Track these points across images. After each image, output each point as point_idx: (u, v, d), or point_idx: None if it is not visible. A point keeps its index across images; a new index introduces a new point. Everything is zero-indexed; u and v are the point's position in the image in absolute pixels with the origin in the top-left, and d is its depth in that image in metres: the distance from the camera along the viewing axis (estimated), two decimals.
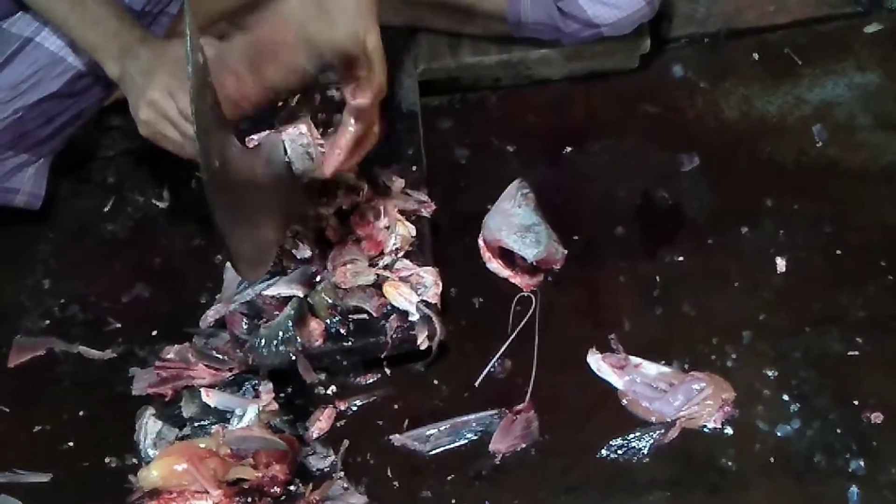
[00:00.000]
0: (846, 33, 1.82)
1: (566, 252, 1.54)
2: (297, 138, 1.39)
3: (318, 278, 1.48)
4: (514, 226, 1.51)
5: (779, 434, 1.35)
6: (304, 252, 1.47)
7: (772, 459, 1.33)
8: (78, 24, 1.41)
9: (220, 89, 1.22)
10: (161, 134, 1.32)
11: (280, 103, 1.67)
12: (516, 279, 1.54)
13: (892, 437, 1.33)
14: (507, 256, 1.54)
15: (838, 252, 1.52)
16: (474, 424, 1.40)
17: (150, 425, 1.41)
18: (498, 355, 1.46)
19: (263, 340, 1.41)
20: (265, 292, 1.45)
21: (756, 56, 1.81)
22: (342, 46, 1.24)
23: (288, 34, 1.25)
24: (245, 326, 1.44)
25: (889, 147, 1.64)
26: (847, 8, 1.86)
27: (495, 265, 1.56)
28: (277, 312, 1.43)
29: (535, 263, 1.50)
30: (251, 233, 1.28)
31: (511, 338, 1.48)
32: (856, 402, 1.36)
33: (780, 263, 1.52)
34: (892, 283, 1.48)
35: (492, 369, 1.46)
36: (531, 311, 1.50)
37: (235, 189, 1.21)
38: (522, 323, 1.49)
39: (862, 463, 1.31)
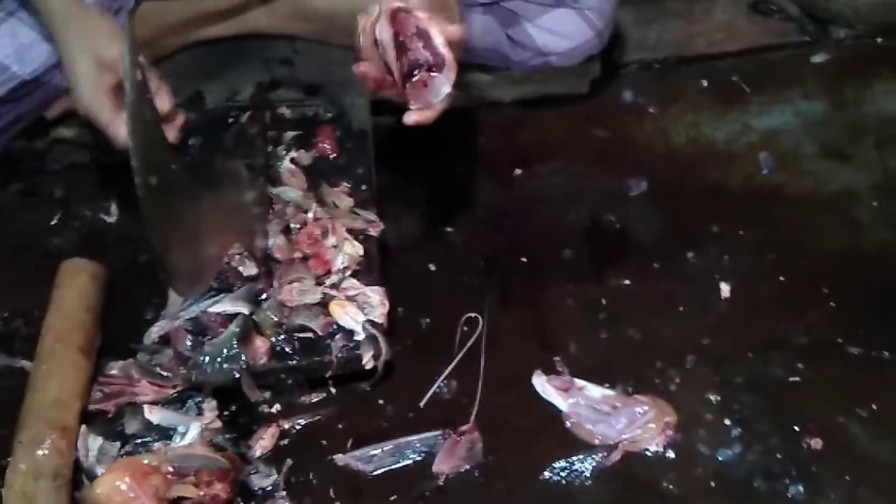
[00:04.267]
0: (794, 62, 1.85)
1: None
2: None
3: (263, 296, 1.46)
4: None
5: (720, 458, 1.36)
6: (251, 269, 1.47)
7: (713, 483, 1.34)
8: None
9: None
10: None
11: (230, 120, 1.67)
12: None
13: (830, 463, 1.35)
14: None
15: (782, 278, 1.54)
16: (418, 445, 1.40)
17: (90, 441, 1.40)
18: (443, 376, 1.46)
19: (208, 357, 1.40)
20: (210, 309, 1.43)
21: (705, 83, 1.84)
22: None
23: None
24: (189, 343, 1.42)
25: (833, 175, 1.67)
26: (795, 37, 1.90)
27: None
28: (222, 329, 1.42)
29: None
30: (191, 250, 1.28)
31: (457, 358, 1.48)
32: (796, 428, 1.38)
33: (725, 289, 1.53)
34: (835, 310, 1.50)
35: (437, 390, 1.45)
36: (478, 332, 1.51)
37: (175, 206, 1.20)
38: (469, 344, 1.49)
39: (801, 488, 1.32)
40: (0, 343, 1.56)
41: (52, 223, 1.72)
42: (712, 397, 1.42)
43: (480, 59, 1.71)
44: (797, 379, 1.43)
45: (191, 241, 1.27)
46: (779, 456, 1.36)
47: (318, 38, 1.77)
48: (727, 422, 1.39)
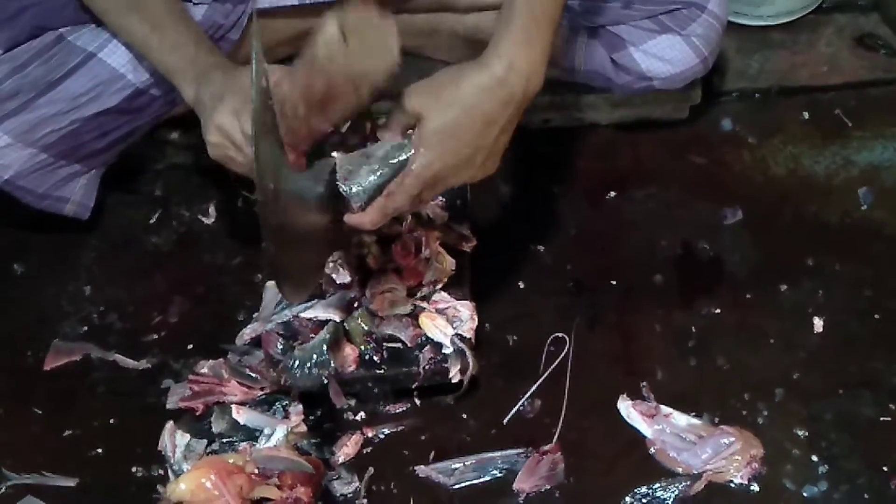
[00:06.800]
0: None
1: None
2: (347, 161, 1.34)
3: (355, 304, 1.48)
4: None
5: (805, 494, 1.34)
6: (344, 277, 1.49)
7: None
8: (157, 49, 1.43)
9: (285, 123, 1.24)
10: (228, 157, 1.33)
11: (331, 129, 1.69)
12: None
13: None
14: None
15: (876, 316, 1.52)
16: (500, 462, 1.40)
17: (178, 438, 1.42)
18: (528, 394, 1.46)
19: (297, 362, 1.42)
20: (302, 314, 1.46)
21: (806, 115, 1.82)
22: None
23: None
24: (280, 347, 1.45)
25: None
26: None
27: None
28: (313, 335, 1.44)
29: None
30: (298, 256, 1.29)
31: (542, 378, 1.48)
32: (885, 469, 1.35)
33: (818, 324, 1.51)
34: None
35: (521, 408, 1.45)
36: (564, 352, 1.50)
37: (286, 212, 1.22)
38: (555, 364, 1.49)
39: None
40: (95, 336, 1.60)
41: (151, 221, 1.76)
42: (800, 432, 1.40)
43: (583, 79, 1.71)
44: (888, 419, 1.41)
45: (300, 247, 1.29)
46: (866, 496, 1.33)
47: (420, 53, 1.78)
48: (814, 458, 1.37)
